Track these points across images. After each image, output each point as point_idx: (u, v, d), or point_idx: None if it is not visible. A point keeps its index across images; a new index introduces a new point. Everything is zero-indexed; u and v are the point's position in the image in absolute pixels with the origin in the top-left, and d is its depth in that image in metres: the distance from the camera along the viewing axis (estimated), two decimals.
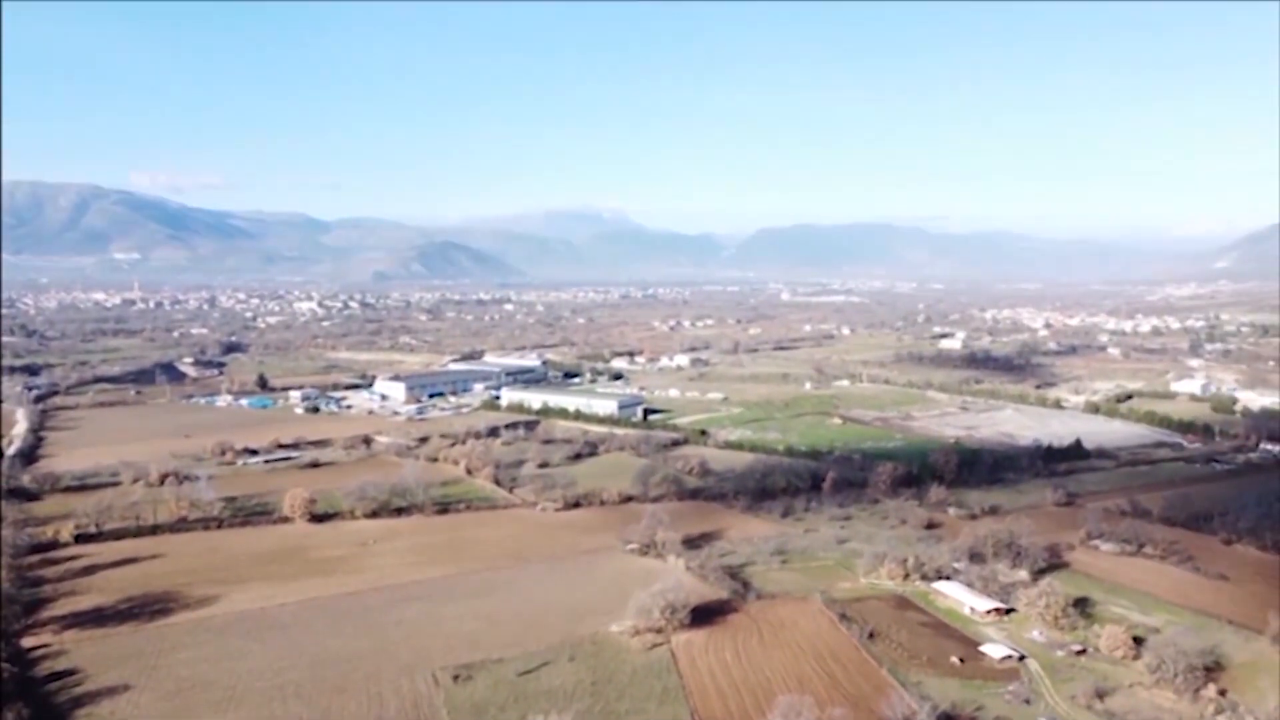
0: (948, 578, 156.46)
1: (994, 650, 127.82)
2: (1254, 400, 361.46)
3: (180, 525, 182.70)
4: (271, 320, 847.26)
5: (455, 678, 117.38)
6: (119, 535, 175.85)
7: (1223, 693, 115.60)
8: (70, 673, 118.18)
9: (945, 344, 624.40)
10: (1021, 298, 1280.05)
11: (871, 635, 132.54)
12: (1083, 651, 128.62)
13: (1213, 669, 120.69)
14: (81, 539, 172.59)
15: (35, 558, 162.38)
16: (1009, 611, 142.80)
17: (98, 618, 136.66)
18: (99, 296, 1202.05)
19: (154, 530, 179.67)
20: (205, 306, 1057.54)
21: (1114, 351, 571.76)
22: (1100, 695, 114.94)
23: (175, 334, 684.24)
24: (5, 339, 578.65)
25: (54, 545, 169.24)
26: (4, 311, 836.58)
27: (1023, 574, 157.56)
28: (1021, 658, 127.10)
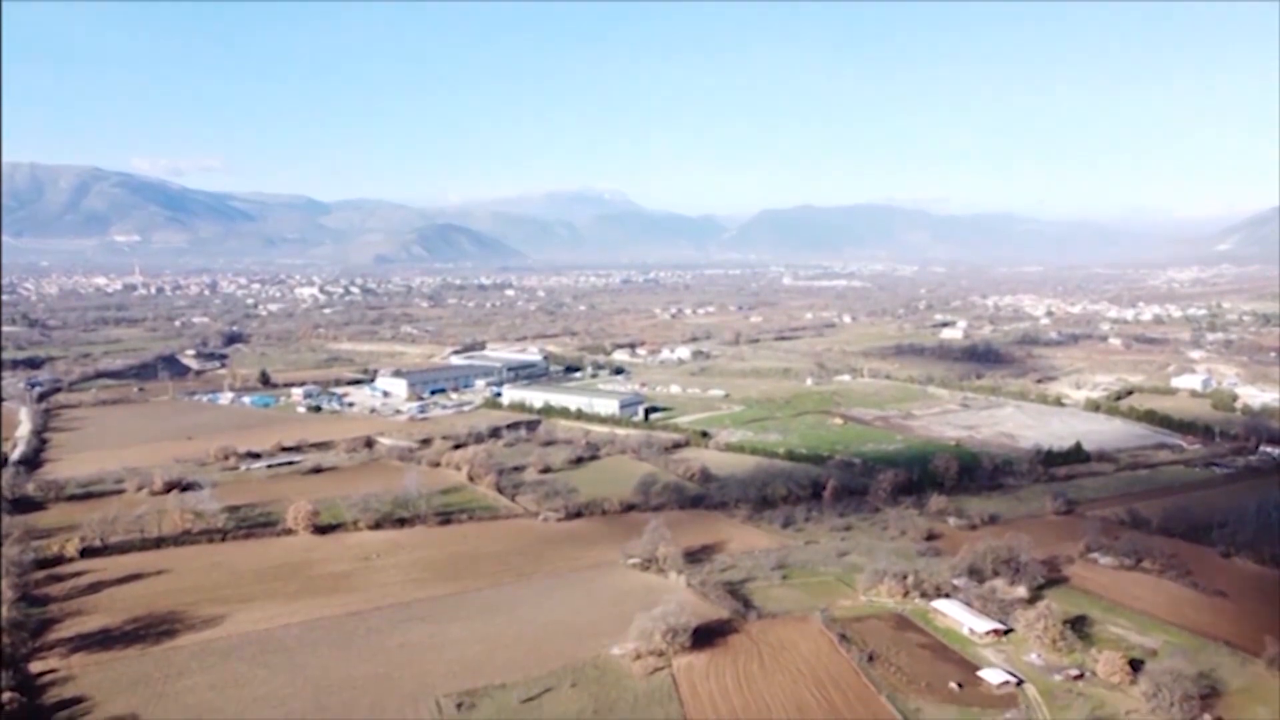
0: (947, 595, 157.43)
1: (992, 675, 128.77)
2: (1255, 397, 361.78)
3: (184, 538, 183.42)
4: (273, 308, 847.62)
5: (459, 706, 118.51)
6: (124, 549, 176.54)
7: None
8: (78, 700, 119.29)
9: (946, 333, 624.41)
10: (1023, 282, 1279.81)
11: (871, 658, 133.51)
12: (1080, 676, 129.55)
13: (1209, 695, 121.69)
14: (87, 553, 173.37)
15: (41, 574, 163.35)
16: (1007, 632, 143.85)
17: (104, 640, 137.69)
18: (100, 281, 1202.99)
19: (158, 544, 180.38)
20: (206, 292, 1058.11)
21: (1115, 341, 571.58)
22: None
23: (177, 323, 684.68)
24: (6, 329, 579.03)
25: (60, 560, 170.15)
26: (5, 298, 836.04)
27: (1021, 591, 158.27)
28: (1019, 683, 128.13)
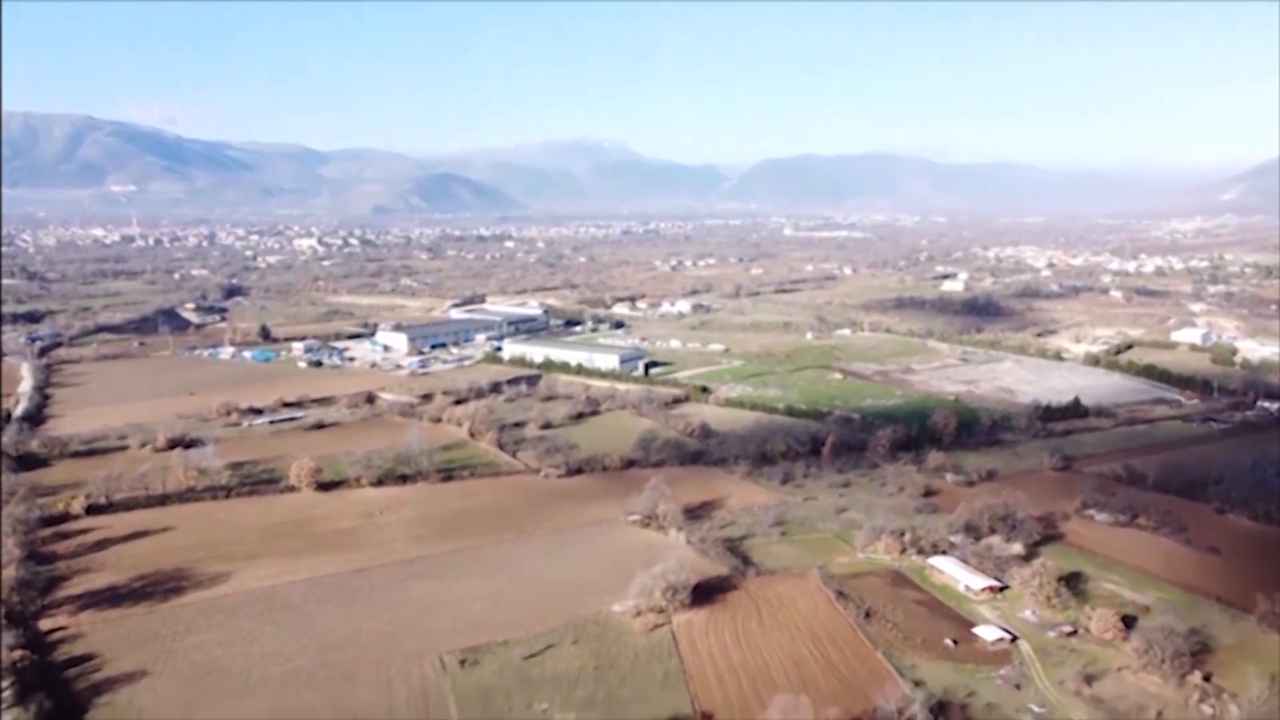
0: (944, 552, 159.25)
1: (987, 632, 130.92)
2: (1254, 351, 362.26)
3: (189, 495, 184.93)
4: (271, 260, 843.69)
5: (462, 662, 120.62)
6: (129, 506, 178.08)
7: (1208, 677, 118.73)
8: (88, 658, 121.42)
9: (947, 286, 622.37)
10: (1025, 233, 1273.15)
11: (868, 615, 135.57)
12: (1073, 633, 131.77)
13: (1199, 652, 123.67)
14: (92, 510, 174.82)
15: (48, 531, 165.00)
16: (1003, 589, 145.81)
17: (112, 597, 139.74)
18: (98, 233, 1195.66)
19: (163, 501, 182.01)
20: (204, 244, 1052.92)
21: (1116, 294, 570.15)
22: (1089, 680, 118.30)
23: (176, 275, 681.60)
24: (6, 281, 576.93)
25: (66, 518, 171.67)
26: (4, 250, 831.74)
27: (1017, 547, 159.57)
28: (1014, 639, 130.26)
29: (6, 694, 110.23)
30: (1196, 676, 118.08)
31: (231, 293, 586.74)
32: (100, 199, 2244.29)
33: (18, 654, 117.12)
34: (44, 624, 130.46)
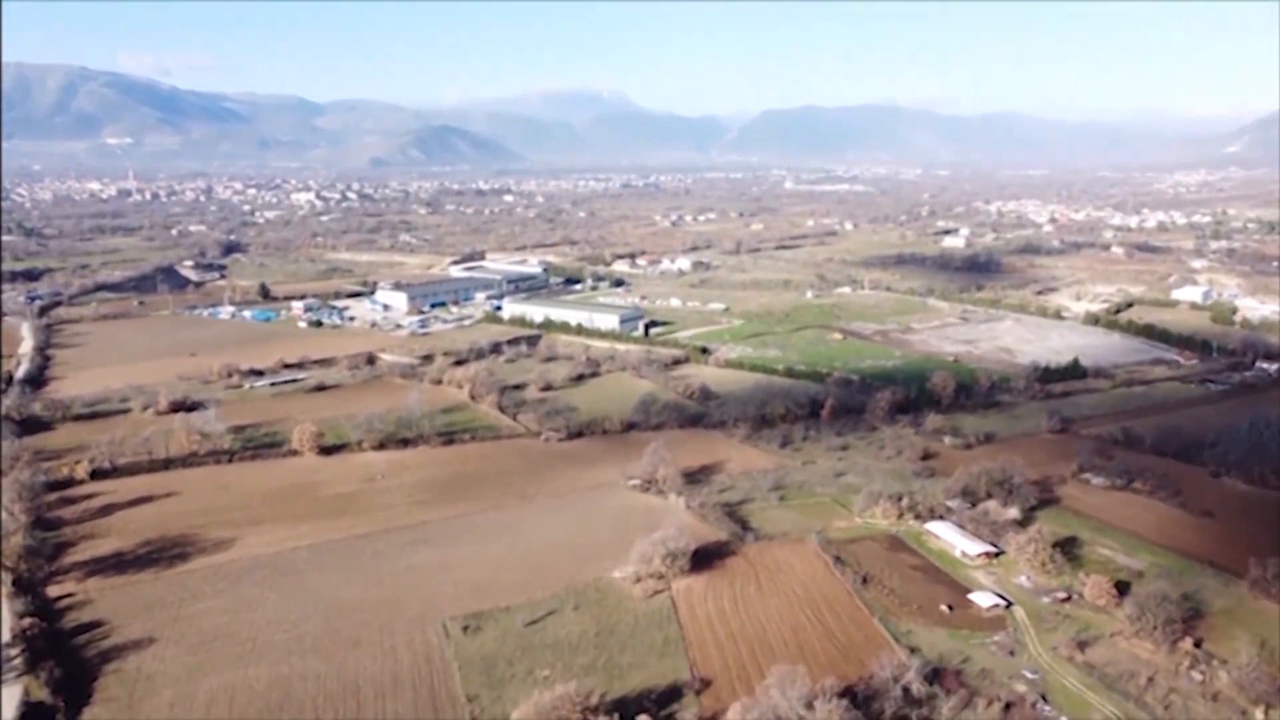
0: (941, 517, 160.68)
1: (982, 599, 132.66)
2: (1254, 310, 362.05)
3: (192, 459, 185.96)
4: (270, 215, 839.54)
5: (465, 629, 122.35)
6: (133, 471, 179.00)
7: (1198, 644, 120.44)
8: (96, 624, 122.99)
9: (948, 242, 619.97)
10: (1028, 186, 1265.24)
11: (865, 580, 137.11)
12: (1067, 599, 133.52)
13: (1191, 618, 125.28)
14: (97, 475, 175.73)
15: (53, 496, 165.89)
16: (998, 554, 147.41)
17: (119, 563, 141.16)
18: (94, 187, 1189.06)
19: (166, 465, 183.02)
20: (202, 198, 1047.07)
21: (1118, 250, 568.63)
22: (1081, 646, 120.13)
23: (174, 231, 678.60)
24: (5, 238, 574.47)
25: (70, 482, 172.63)
26: (3, 205, 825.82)
27: (1014, 512, 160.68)
28: (1008, 605, 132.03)
29: (18, 661, 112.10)
30: (1188, 643, 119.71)
31: (230, 249, 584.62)
32: (96, 151, 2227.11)
33: (27, 621, 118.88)
34: (52, 591, 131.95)
